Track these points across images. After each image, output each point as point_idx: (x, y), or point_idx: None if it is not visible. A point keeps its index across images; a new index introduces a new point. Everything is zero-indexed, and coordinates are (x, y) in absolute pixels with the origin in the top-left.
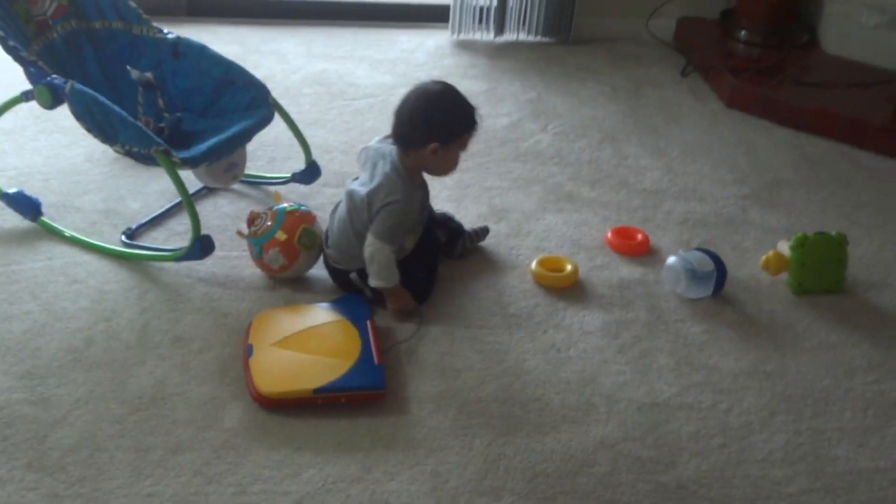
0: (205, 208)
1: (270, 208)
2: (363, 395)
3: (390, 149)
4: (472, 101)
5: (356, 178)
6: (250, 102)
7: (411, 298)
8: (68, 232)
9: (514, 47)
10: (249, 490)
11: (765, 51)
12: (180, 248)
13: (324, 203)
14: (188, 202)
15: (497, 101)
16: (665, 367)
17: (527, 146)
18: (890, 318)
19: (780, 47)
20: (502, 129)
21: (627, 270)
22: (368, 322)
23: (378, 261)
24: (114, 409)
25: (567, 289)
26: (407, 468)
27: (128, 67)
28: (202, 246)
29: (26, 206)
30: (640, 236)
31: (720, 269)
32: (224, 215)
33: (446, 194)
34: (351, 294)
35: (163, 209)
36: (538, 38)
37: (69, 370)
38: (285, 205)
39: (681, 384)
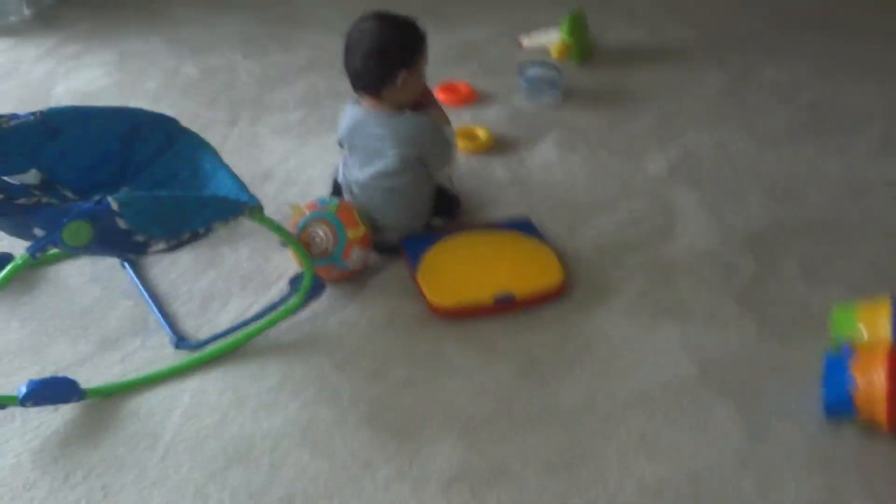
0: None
1: (311, 221)
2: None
3: (362, 113)
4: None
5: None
6: (168, 138)
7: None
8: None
9: None
10: None
11: None
12: (291, 297)
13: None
14: (294, 241)
15: None
16: None
17: None
18: None
19: None
20: None
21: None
22: None
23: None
24: None
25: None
26: None
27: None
28: (318, 279)
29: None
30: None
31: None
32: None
33: None
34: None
35: (146, 295)
36: None
37: None
38: (318, 207)
39: None
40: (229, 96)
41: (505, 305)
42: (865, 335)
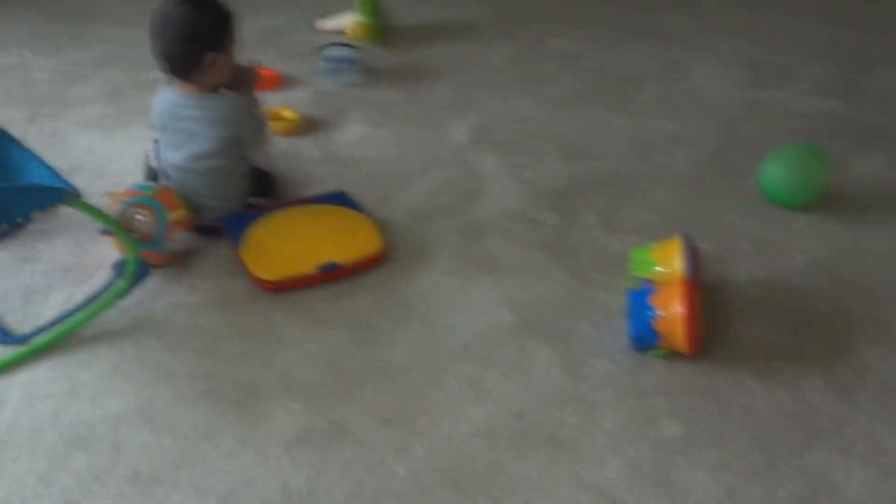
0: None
1: (130, 206)
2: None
3: (175, 96)
4: None
5: (154, 144)
6: None
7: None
8: None
9: None
10: None
11: None
12: (114, 283)
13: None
14: (115, 225)
15: None
16: None
17: None
18: None
19: None
20: None
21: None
22: None
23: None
24: None
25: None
26: None
27: None
28: (141, 262)
29: None
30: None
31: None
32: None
33: None
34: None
35: None
36: None
37: None
38: (136, 192)
39: None
40: (24, 94)
41: (329, 274)
42: (661, 271)
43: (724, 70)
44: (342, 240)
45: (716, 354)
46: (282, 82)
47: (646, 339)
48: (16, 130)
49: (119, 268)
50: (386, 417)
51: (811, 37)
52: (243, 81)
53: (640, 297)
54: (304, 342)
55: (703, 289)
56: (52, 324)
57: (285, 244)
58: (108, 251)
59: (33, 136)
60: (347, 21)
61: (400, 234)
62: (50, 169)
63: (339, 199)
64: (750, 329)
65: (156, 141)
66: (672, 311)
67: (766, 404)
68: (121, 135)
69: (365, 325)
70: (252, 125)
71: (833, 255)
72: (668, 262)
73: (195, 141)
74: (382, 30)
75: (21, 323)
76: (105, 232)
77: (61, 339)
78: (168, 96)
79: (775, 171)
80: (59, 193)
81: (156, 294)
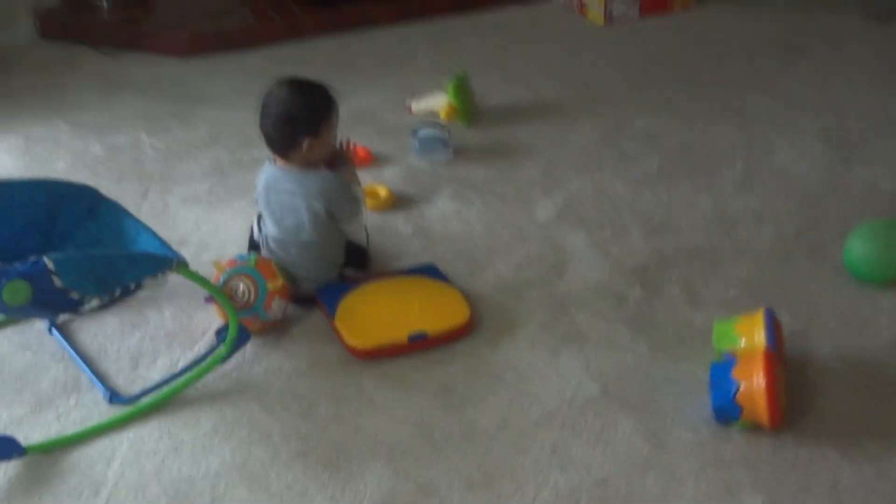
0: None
1: (233, 276)
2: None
3: (275, 171)
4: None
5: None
6: (90, 207)
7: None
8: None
9: None
10: None
11: None
12: (217, 349)
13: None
14: (218, 293)
15: None
16: None
17: None
18: None
19: None
20: None
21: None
22: None
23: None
24: None
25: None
26: None
27: None
28: (242, 328)
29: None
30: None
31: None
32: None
33: None
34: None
35: (76, 358)
36: None
37: None
38: (237, 263)
39: None
40: (137, 172)
41: (418, 343)
42: (744, 344)
43: (807, 148)
44: (431, 310)
45: (799, 428)
46: (375, 160)
47: (728, 411)
48: (129, 206)
49: (221, 333)
50: (472, 481)
51: (894, 115)
52: (341, 160)
53: (722, 370)
54: (393, 406)
55: (785, 362)
56: (158, 385)
57: (377, 314)
58: (212, 319)
59: (145, 212)
60: (438, 102)
61: (488, 306)
62: (159, 239)
63: (430, 271)
64: (834, 403)
65: (259, 214)
66: (753, 382)
67: (850, 478)
68: (224, 210)
69: (452, 390)
70: (344, 200)
71: None
72: (751, 335)
73: (292, 214)
74: (472, 111)
75: (130, 384)
76: (209, 300)
77: (166, 400)
78: (269, 170)
79: (860, 247)
80: (168, 261)
81: (255, 359)
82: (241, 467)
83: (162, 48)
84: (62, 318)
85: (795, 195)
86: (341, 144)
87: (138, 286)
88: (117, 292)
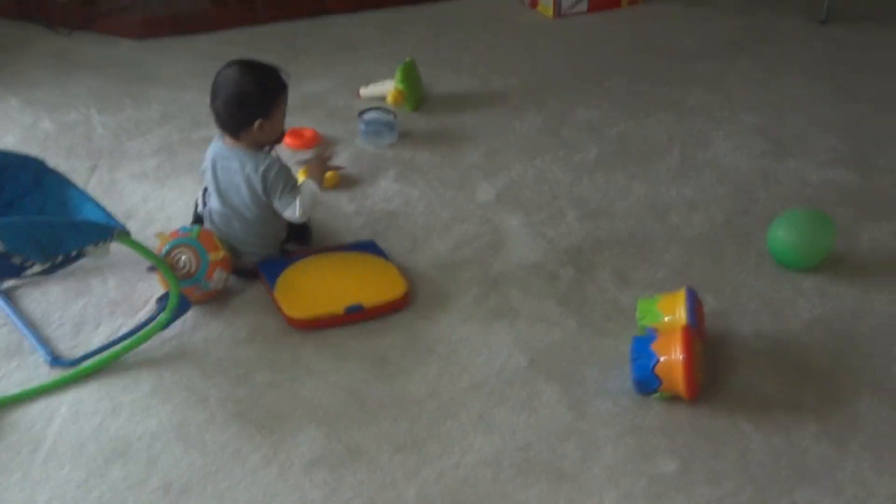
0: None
1: (175, 246)
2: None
3: (222, 148)
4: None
5: (203, 192)
6: (35, 177)
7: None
8: None
9: None
10: None
11: None
12: (157, 316)
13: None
14: (160, 262)
15: None
16: None
17: None
18: None
19: None
20: None
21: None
22: None
23: (310, 200)
24: None
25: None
26: None
27: None
28: (183, 297)
29: None
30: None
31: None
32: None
33: None
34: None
35: (18, 323)
36: None
37: None
38: (180, 234)
39: None
40: (87, 148)
41: (354, 315)
42: (666, 321)
43: (743, 141)
44: (369, 284)
45: (715, 400)
46: (322, 142)
47: (647, 383)
48: (77, 180)
49: (162, 301)
50: (399, 444)
51: (829, 112)
52: (316, 167)
53: (643, 344)
54: (328, 374)
55: (704, 338)
56: (99, 350)
57: (315, 286)
58: (155, 289)
59: (93, 186)
60: (387, 88)
61: (424, 281)
62: (102, 209)
63: (369, 247)
64: (750, 379)
65: (204, 189)
66: (672, 356)
67: (760, 447)
68: (172, 186)
69: (386, 360)
70: (284, 191)
71: (837, 314)
72: (672, 312)
73: (235, 192)
74: (419, 96)
75: (72, 350)
76: (152, 269)
77: (107, 364)
78: (217, 147)
79: (783, 234)
80: (109, 230)
81: (195, 327)
82: (177, 428)
83: (117, 30)
84: (6, 284)
85: (727, 185)
86: (321, 156)
87: (80, 254)
88: (59, 259)
